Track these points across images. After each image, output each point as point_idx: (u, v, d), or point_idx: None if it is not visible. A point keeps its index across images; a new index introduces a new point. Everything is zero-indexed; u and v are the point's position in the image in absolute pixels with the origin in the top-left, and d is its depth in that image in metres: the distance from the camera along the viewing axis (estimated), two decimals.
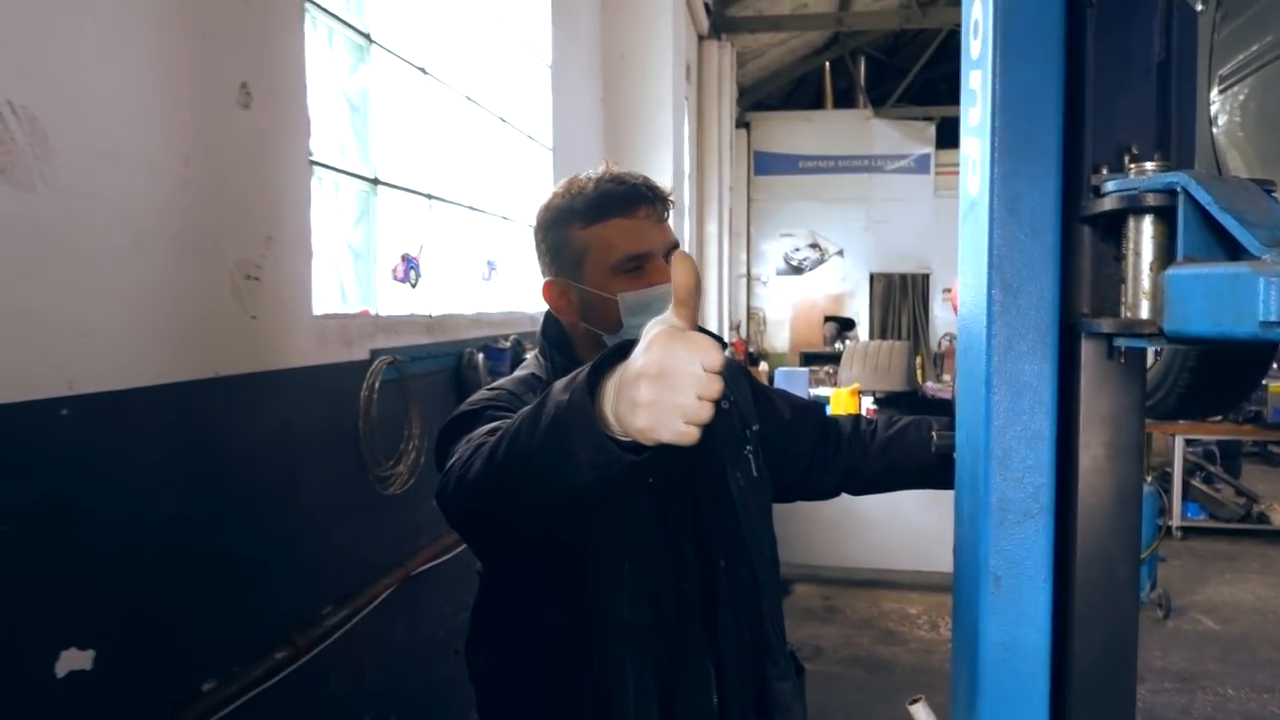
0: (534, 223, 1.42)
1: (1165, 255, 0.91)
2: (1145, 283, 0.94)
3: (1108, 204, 0.97)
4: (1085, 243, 1.04)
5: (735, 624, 1.40)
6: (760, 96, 12.79)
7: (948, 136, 12.54)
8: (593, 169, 1.38)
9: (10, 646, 1.37)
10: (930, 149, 12.50)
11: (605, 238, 1.33)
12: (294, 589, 2.14)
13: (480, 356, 3.09)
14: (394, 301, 2.93)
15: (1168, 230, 0.91)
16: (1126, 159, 1.00)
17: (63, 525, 1.46)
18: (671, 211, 1.40)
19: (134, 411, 1.60)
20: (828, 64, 12.88)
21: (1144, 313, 0.93)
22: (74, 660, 1.47)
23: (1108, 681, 1.18)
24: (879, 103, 12.85)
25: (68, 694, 1.46)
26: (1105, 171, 1.01)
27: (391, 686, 2.56)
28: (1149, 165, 0.93)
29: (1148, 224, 0.93)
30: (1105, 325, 0.97)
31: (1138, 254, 0.94)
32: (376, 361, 2.47)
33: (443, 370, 2.98)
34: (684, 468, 1.38)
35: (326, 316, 2.38)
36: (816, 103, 13.30)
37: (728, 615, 1.39)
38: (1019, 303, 1.09)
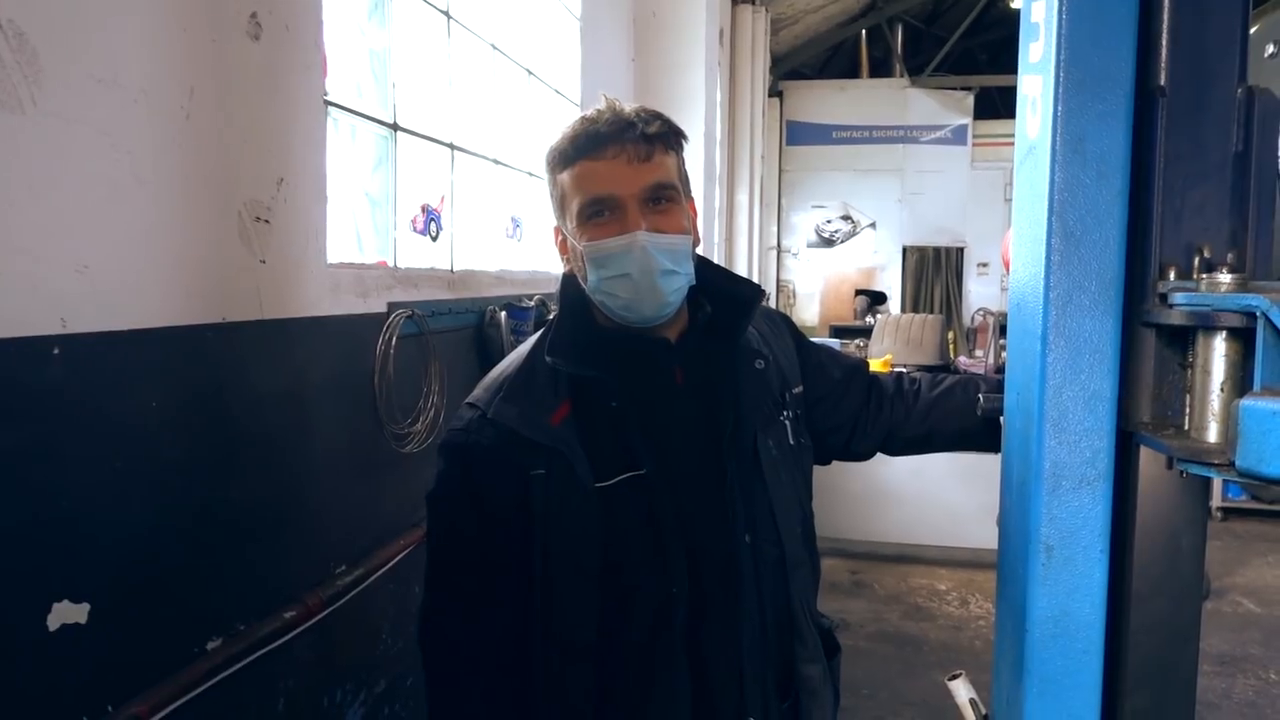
0: None
1: (1239, 377, 0.84)
2: (1214, 404, 0.86)
3: (1176, 318, 0.89)
4: (1148, 346, 0.95)
5: (759, 603, 1.31)
6: (794, 65, 12.57)
7: (986, 108, 12.27)
8: (598, 105, 1.28)
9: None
10: (968, 120, 12.22)
11: (575, 181, 1.25)
12: (305, 547, 2.08)
13: (503, 315, 3.01)
14: (413, 254, 2.84)
15: (1242, 350, 0.83)
16: (1197, 261, 0.91)
17: (54, 470, 1.39)
18: (673, 145, 1.28)
19: (133, 354, 1.53)
20: (864, 32, 12.61)
21: (1211, 435, 0.86)
22: (67, 613, 1.41)
23: (1166, 661, 1.10)
24: (916, 72, 12.58)
25: (61, 648, 1.40)
26: (1173, 275, 0.91)
27: (408, 648, 2.51)
28: (1223, 279, 0.84)
29: (1220, 342, 0.85)
30: (1170, 446, 0.87)
31: (1206, 372, 0.86)
32: (394, 315, 2.40)
33: (464, 328, 2.90)
34: (689, 458, 1.31)
35: (341, 265, 2.30)
36: (851, 71, 13.05)
37: (750, 594, 1.30)
38: (1080, 252, 0.99)
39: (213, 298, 1.74)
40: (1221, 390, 0.85)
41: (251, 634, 1.82)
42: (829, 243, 12.67)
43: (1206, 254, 0.91)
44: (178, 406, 1.65)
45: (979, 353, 7.36)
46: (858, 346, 7.08)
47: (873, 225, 12.60)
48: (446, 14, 3.03)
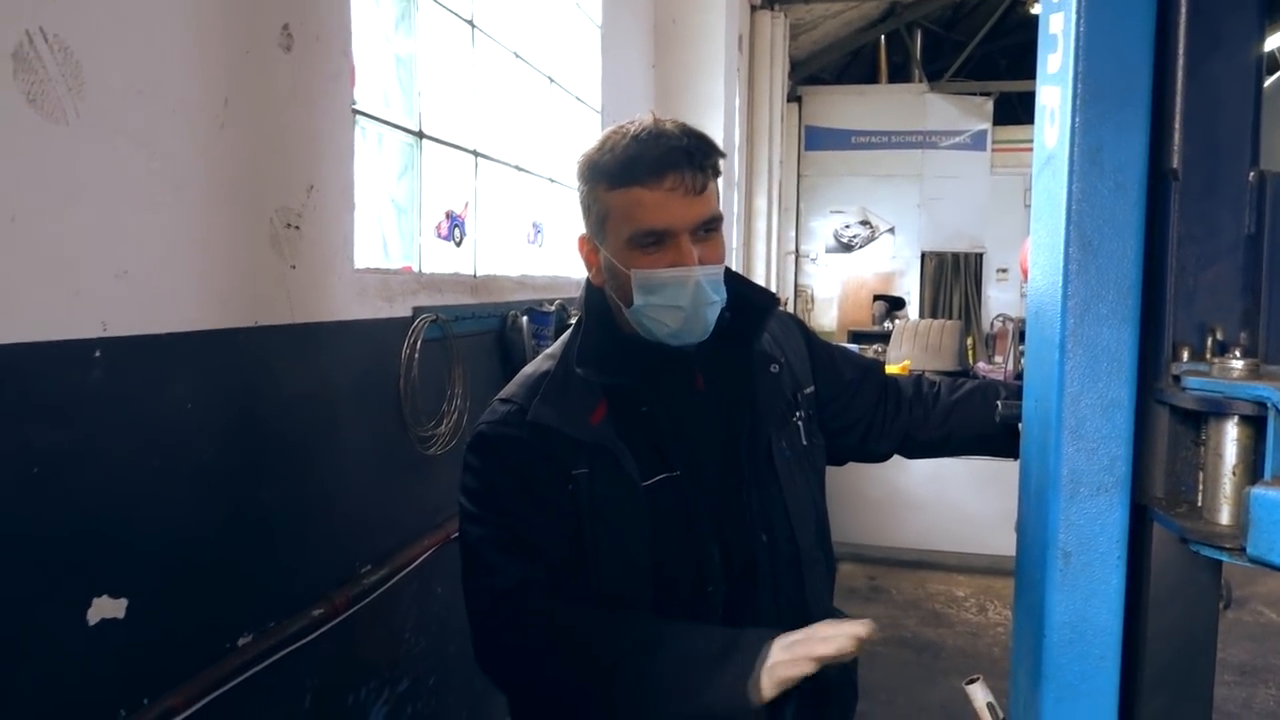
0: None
1: (1251, 461, 0.85)
2: (1226, 486, 0.87)
3: (1189, 402, 0.90)
4: (1161, 423, 0.96)
5: (775, 601, 1.33)
6: (813, 70, 12.56)
7: (1006, 113, 12.22)
8: (640, 117, 1.27)
9: (41, 591, 1.35)
10: (987, 125, 12.17)
11: (625, 207, 1.23)
12: (332, 546, 2.11)
13: (524, 319, 3.04)
14: (437, 259, 2.88)
15: (1254, 435, 0.84)
16: (1210, 341, 0.92)
17: (95, 469, 1.43)
18: (719, 171, 1.27)
19: (170, 357, 1.57)
20: (883, 37, 12.58)
21: (1224, 517, 0.87)
22: (106, 608, 1.45)
23: (1183, 668, 1.11)
24: (935, 77, 12.54)
25: (100, 641, 1.44)
26: (1186, 356, 0.93)
27: (431, 648, 2.54)
28: (1235, 364, 0.85)
29: (1231, 427, 0.86)
30: (1184, 528, 0.89)
31: (1219, 455, 0.87)
32: (419, 319, 2.43)
33: (487, 332, 2.94)
34: (710, 460, 1.32)
35: (368, 270, 2.34)
36: (870, 77, 13.02)
37: (767, 592, 1.32)
38: (1098, 261, 1.01)
39: (245, 302, 1.78)
40: (1234, 474, 0.86)
41: (281, 631, 1.86)
42: (847, 248, 12.64)
43: (1219, 335, 0.92)
44: (211, 408, 1.69)
45: (998, 359, 7.33)
46: (876, 352, 7.08)
47: (891, 230, 12.57)
48: (471, 23, 3.07)
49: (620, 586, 1.26)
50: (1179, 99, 0.95)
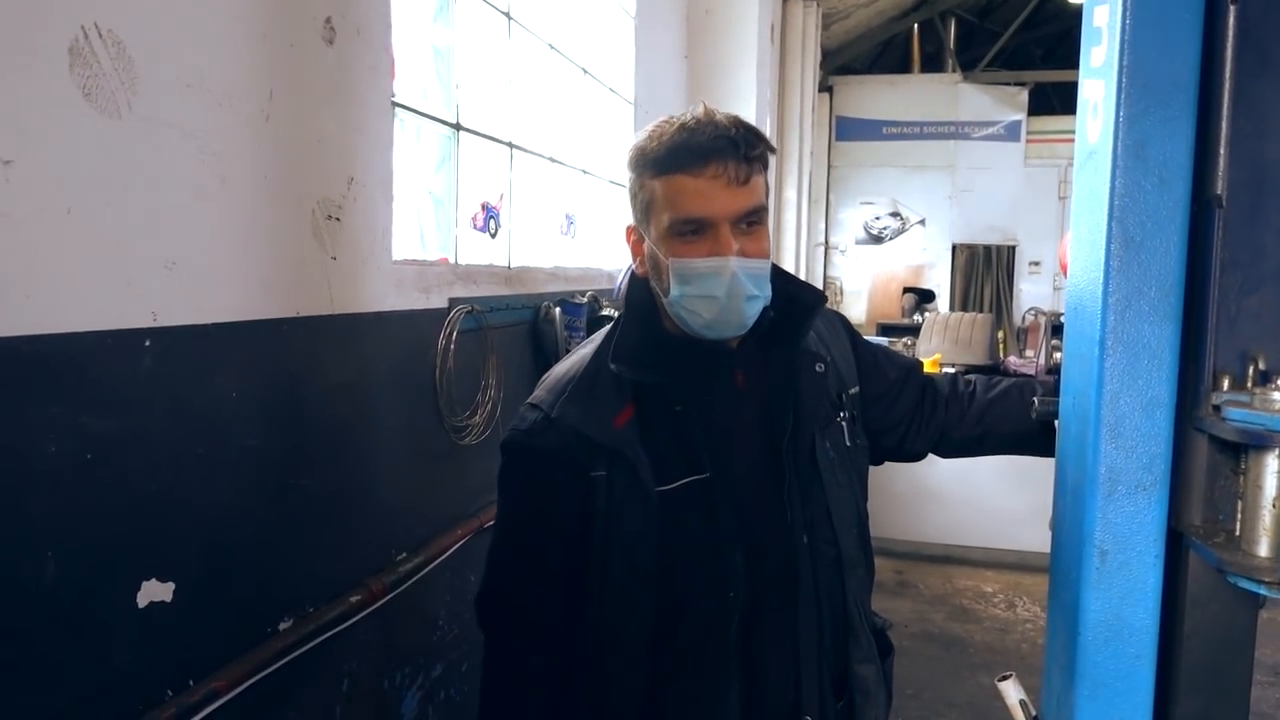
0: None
1: None
2: (1265, 518, 0.87)
3: (1229, 433, 0.89)
4: (1201, 451, 0.96)
5: (816, 603, 1.33)
6: (845, 60, 12.45)
7: (1041, 103, 12.05)
8: (692, 108, 1.27)
9: (96, 573, 1.39)
10: (1022, 116, 12.01)
11: (668, 194, 1.23)
12: (369, 533, 2.15)
13: (557, 311, 3.06)
14: (473, 251, 2.91)
15: None
16: (1251, 370, 0.92)
17: (144, 455, 1.47)
18: (767, 164, 1.27)
19: (217, 346, 1.61)
20: (916, 26, 12.45)
21: (1262, 549, 0.87)
22: (154, 591, 1.49)
23: (1220, 668, 1.10)
24: (969, 67, 12.40)
25: (149, 624, 1.48)
26: (1227, 385, 0.93)
27: (464, 635, 2.58)
28: (1276, 396, 0.85)
29: (1273, 460, 0.86)
30: (1221, 559, 0.89)
31: (1258, 486, 0.87)
32: (455, 310, 2.46)
33: (520, 323, 2.96)
34: (749, 460, 1.33)
35: (406, 262, 2.37)
36: (903, 67, 12.89)
37: (808, 593, 1.32)
38: (1141, 258, 1.00)
39: (287, 292, 1.81)
40: (1273, 506, 0.86)
41: (320, 616, 1.89)
42: (877, 240, 12.55)
43: (1261, 364, 0.92)
44: (255, 396, 1.72)
45: (1029, 353, 7.26)
46: (905, 345, 7.04)
47: (922, 222, 12.46)
48: (508, 15, 3.08)
49: (623, 587, 1.29)
50: (1224, 123, 0.94)
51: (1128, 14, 1.00)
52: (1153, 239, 1.00)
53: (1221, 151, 0.95)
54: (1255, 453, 0.88)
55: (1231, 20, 0.94)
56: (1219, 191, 0.94)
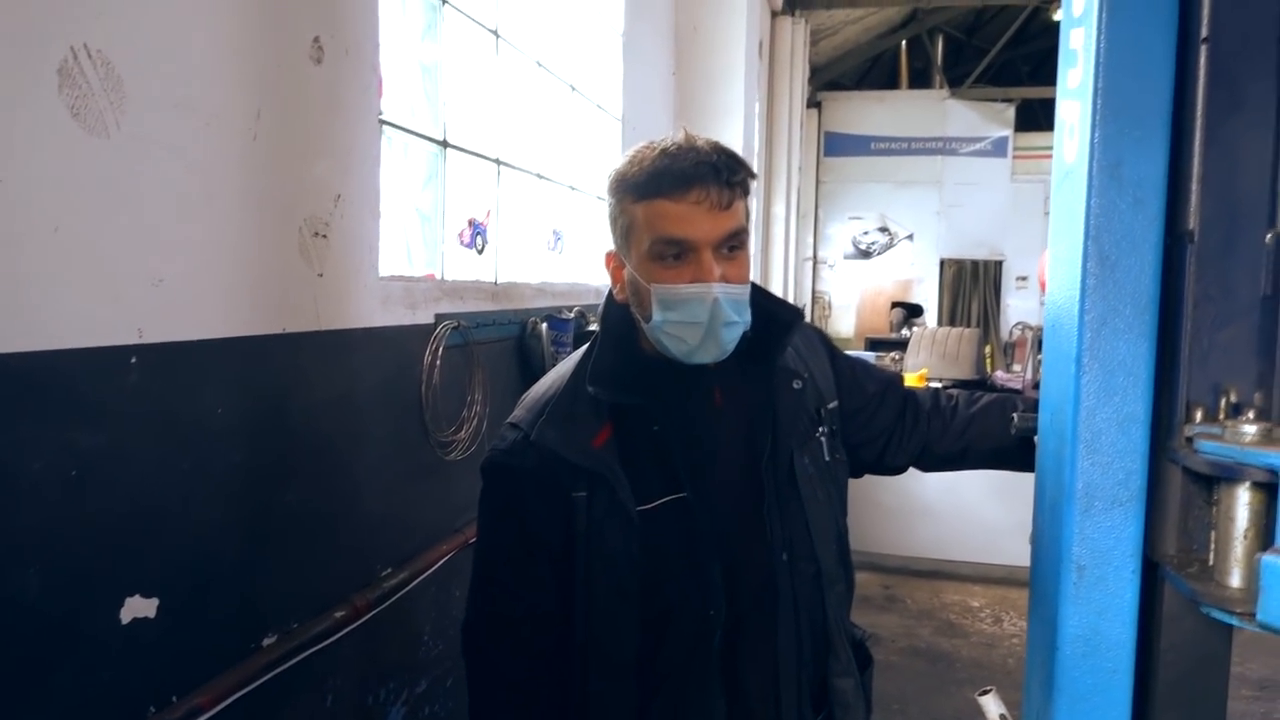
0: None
1: (1262, 526, 0.86)
2: (1238, 550, 0.88)
3: (1201, 466, 0.91)
4: (1174, 482, 0.97)
5: (796, 619, 1.34)
6: (833, 76, 12.55)
7: (1028, 120, 12.16)
8: (672, 133, 1.28)
9: (79, 589, 1.39)
10: (1008, 132, 12.13)
11: (649, 218, 1.23)
12: (354, 549, 2.15)
13: (544, 326, 3.07)
14: (459, 267, 2.92)
15: (1266, 500, 0.85)
16: (1223, 403, 0.93)
17: (130, 471, 1.47)
18: (748, 190, 1.27)
19: (202, 363, 1.61)
20: (904, 43, 12.56)
21: (1234, 580, 0.88)
22: (138, 607, 1.49)
23: (1196, 683, 1.11)
24: (956, 83, 12.51)
25: (132, 640, 1.48)
26: (1199, 417, 0.94)
27: (449, 651, 2.57)
28: (1247, 429, 0.86)
29: (1243, 492, 0.87)
30: (1195, 590, 0.90)
31: (1230, 519, 0.88)
32: (440, 326, 2.47)
33: (507, 338, 2.97)
34: (728, 478, 1.34)
35: (392, 278, 2.38)
36: (891, 83, 13.00)
37: (788, 610, 1.33)
38: (1116, 276, 1.02)
39: (274, 309, 1.81)
40: (1245, 538, 0.87)
41: (304, 632, 1.89)
42: (866, 254, 12.62)
43: (1233, 397, 0.93)
44: (241, 413, 1.73)
45: (1016, 367, 7.30)
46: (893, 359, 7.07)
47: (910, 237, 12.54)
48: (495, 33, 3.11)
49: (607, 606, 1.29)
50: (1196, 160, 0.96)
51: (1102, 37, 1.01)
52: (1128, 258, 1.01)
53: (1194, 188, 0.96)
54: (1227, 485, 0.89)
55: (1203, 60, 0.96)
56: (1191, 227, 0.96)
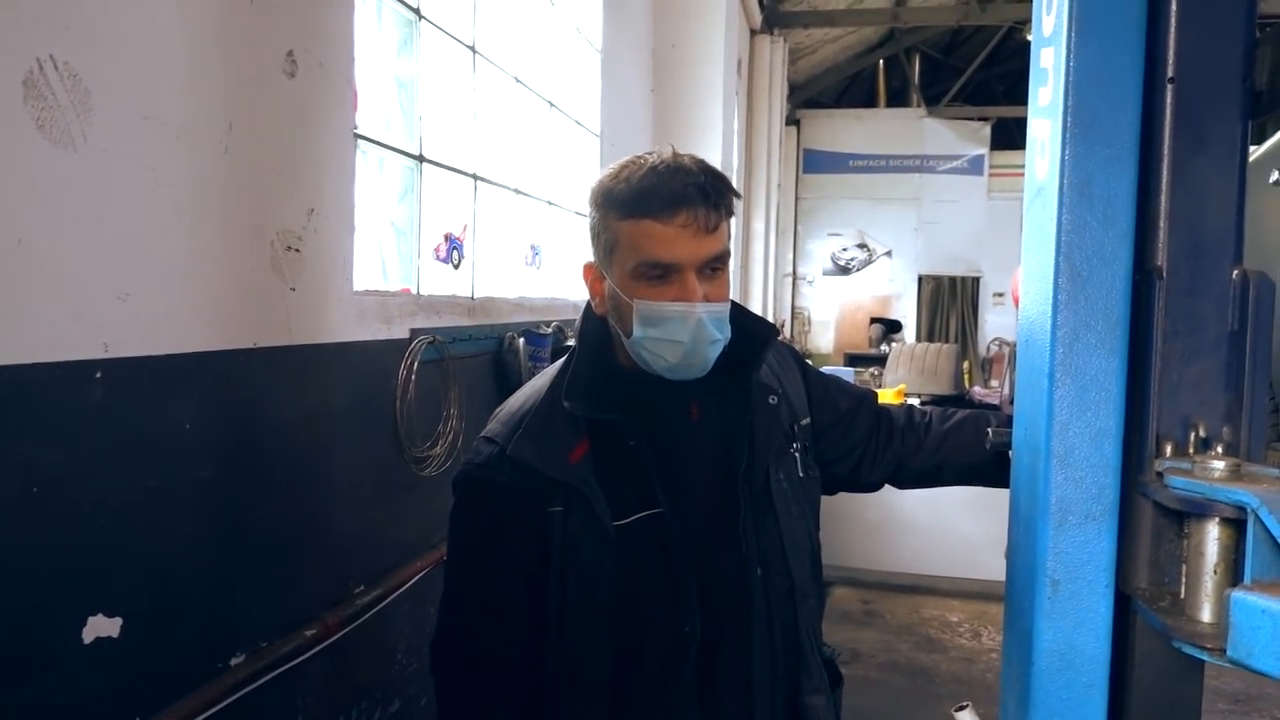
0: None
1: (1231, 560, 0.86)
2: (1208, 584, 0.88)
3: (1171, 501, 0.91)
4: (1145, 515, 0.97)
5: (770, 635, 1.33)
6: (812, 94, 12.66)
7: (1003, 138, 12.32)
8: (659, 149, 1.27)
9: (39, 609, 1.36)
10: (984, 150, 12.28)
11: (635, 237, 1.22)
12: (326, 566, 2.12)
13: (521, 341, 3.06)
14: (435, 281, 2.90)
15: (1235, 535, 0.86)
16: (1193, 436, 0.94)
17: (93, 488, 1.44)
18: (731, 211, 1.27)
19: (169, 378, 1.59)
20: (881, 62, 12.70)
21: (1205, 614, 0.88)
22: (101, 627, 1.46)
23: (1171, 696, 1.11)
24: (933, 102, 12.66)
25: (95, 659, 1.45)
26: (1169, 451, 0.95)
27: (423, 670, 2.54)
28: (1216, 465, 0.87)
29: (1213, 527, 0.87)
30: (1166, 625, 0.90)
31: (1200, 553, 0.88)
32: (416, 341, 2.45)
33: (483, 353, 2.95)
34: (703, 492, 1.33)
35: (367, 293, 2.36)
36: (869, 101, 13.13)
37: (762, 625, 1.32)
38: (1087, 292, 1.02)
39: (245, 324, 1.79)
40: (1215, 572, 0.87)
41: (273, 651, 1.86)
42: (845, 271, 12.70)
43: (1202, 431, 0.94)
44: (209, 427, 1.70)
45: (994, 382, 7.35)
46: (872, 375, 7.11)
47: (888, 254, 12.63)
48: (472, 49, 3.10)
49: (582, 622, 1.27)
50: (1164, 197, 0.97)
51: (1072, 57, 1.02)
52: (1098, 273, 1.02)
53: (1162, 225, 0.98)
54: (1196, 520, 0.89)
55: (1169, 99, 0.97)
56: (1160, 263, 0.97)
